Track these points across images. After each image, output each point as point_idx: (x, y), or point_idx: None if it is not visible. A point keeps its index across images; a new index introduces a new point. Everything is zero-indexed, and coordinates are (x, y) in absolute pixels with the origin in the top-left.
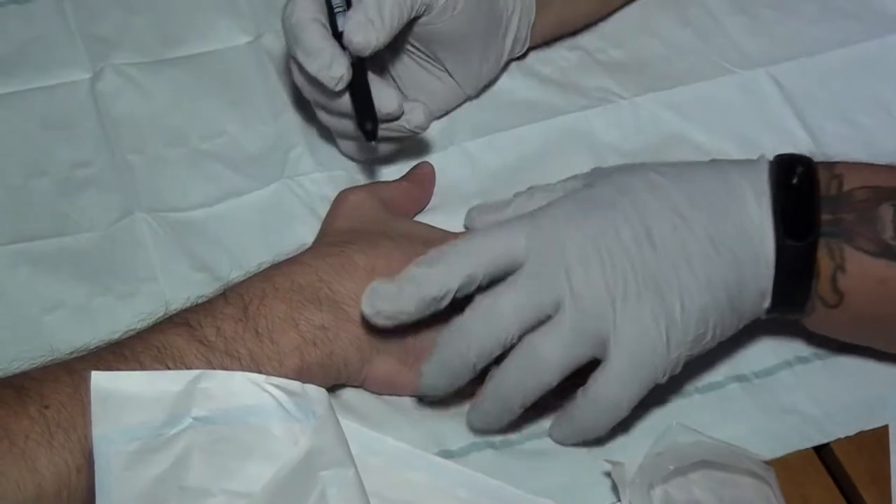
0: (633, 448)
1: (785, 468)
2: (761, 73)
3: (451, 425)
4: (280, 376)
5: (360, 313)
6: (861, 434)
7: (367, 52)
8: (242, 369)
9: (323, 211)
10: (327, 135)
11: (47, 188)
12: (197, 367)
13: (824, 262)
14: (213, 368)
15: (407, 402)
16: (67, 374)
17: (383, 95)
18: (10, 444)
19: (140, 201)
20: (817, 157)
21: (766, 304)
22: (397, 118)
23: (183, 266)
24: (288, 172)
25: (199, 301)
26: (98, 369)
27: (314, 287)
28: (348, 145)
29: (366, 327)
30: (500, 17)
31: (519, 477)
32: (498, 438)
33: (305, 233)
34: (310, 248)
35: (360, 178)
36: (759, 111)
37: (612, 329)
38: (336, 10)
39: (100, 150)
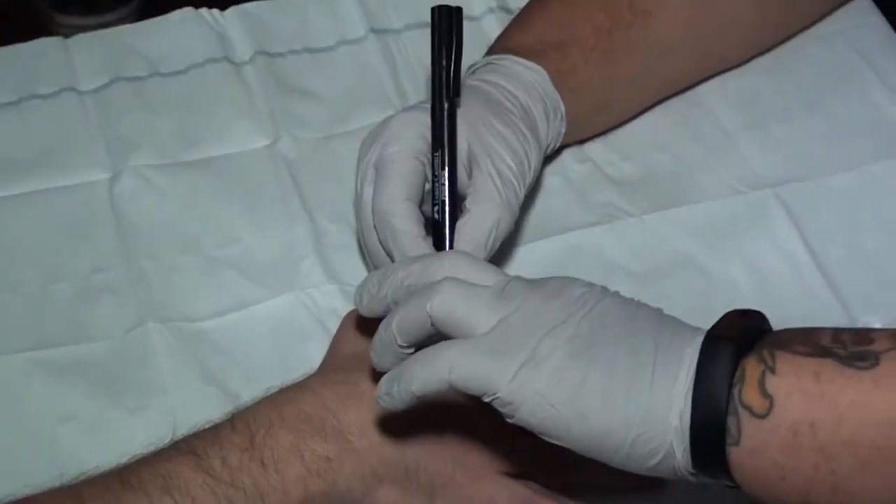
0: None
1: None
2: (769, 193)
3: None
4: None
5: (364, 444)
6: None
7: None
8: (247, 500)
9: (333, 326)
10: (338, 247)
11: (64, 294)
12: (202, 498)
13: (752, 367)
14: (218, 499)
15: None
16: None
17: None
18: None
19: (153, 310)
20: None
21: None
22: None
23: (194, 379)
24: (299, 284)
25: (207, 426)
26: (106, 498)
27: (320, 417)
28: None
29: (369, 459)
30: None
31: None
32: None
33: (315, 349)
34: (317, 374)
35: None
36: (766, 233)
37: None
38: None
39: (116, 255)
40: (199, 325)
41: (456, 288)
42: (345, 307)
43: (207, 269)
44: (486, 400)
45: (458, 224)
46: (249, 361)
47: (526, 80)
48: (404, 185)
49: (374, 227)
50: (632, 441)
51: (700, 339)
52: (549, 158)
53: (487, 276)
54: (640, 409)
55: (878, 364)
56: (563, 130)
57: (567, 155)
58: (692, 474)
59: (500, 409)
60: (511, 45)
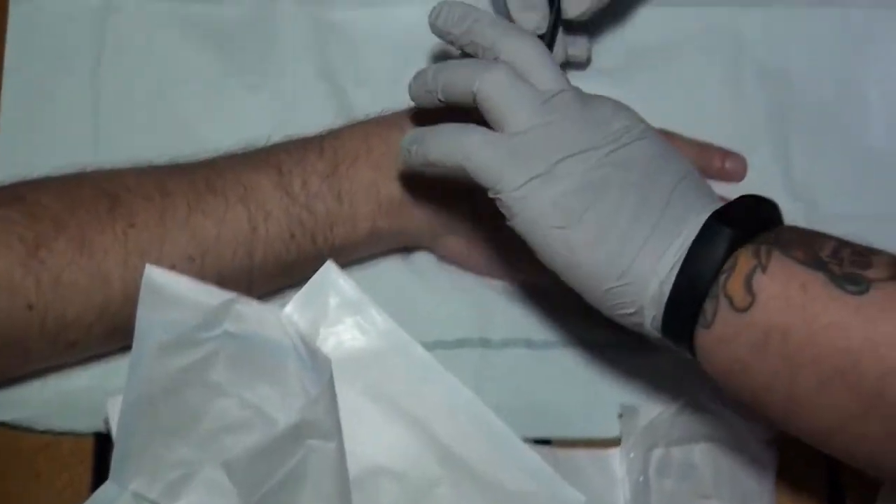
0: (652, 403)
1: (790, 447)
2: None
3: (497, 318)
4: (352, 238)
5: (437, 194)
6: None
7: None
8: (317, 225)
9: None
10: None
11: None
12: (276, 214)
13: (744, 260)
14: (290, 219)
15: (467, 281)
16: (159, 195)
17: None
18: (89, 258)
19: None
20: None
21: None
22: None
23: (310, 69)
24: None
25: (298, 141)
26: (187, 195)
27: None
28: None
29: (439, 207)
30: None
31: (543, 383)
32: (539, 338)
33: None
34: (412, 110)
35: None
36: None
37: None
38: None
39: None
40: (332, 14)
41: (508, 78)
42: None
43: None
44: (490, 196)
45: None
46: (365, 64)
47: None
48: None
49: None
50: (607, 290)
51: (707, 215)
52: None
53: (547, 78)
54: (623, 265)
55: (866, 292)
56: None
57: None
58: (658, 338)
59: (500, 208)
60: None
